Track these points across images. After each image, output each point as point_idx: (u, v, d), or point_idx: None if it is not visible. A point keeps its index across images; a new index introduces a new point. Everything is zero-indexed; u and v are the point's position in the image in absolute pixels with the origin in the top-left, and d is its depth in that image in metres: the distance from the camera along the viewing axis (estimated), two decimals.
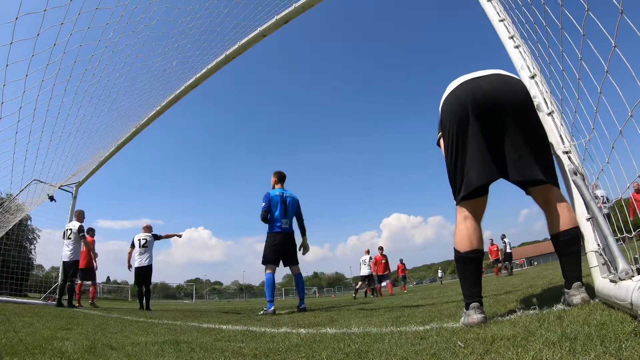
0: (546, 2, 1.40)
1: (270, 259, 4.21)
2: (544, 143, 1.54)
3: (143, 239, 6.50)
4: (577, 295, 1.36)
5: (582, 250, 1.45)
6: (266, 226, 4.35)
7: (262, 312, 3.99)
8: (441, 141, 1.74)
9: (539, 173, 1.45)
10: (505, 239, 13.32)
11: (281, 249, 4.26)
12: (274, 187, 4.56)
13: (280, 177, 4.61)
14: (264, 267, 4.26)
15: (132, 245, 6.49)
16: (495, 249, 13.61)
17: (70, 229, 6.25)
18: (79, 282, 7.09)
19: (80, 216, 6.50)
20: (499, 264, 13.37)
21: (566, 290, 1.42)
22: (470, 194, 1.51)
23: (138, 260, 6.35)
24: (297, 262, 4.41)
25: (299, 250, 4.48)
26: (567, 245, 1.42)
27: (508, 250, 13.08)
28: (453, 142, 1.57)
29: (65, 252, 6.11)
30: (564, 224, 1.43)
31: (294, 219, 4.48)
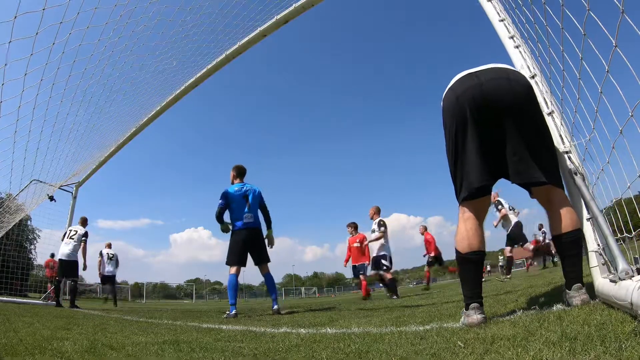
0: (546, 2, 1.40)
1: (233, 260, 3.95)
2: (546, 142, 1.51)
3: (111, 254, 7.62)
4: (577, 296, 1.36)
5: (584, 250, 1.44)
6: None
7: (225, 316, 3.75)
8: None
9: (539, 175, 1.42)
10: (542, 229, 11.82)
11: (247, 246, 3.99)
12: (233, 183, 4.28)
13: (240, 172, 4.31)
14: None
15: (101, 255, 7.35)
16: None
17: (76, 231, 6.33)
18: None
19: (85, 222, 6.61)
20: (544, 257, 11.80)
21: (567, 290, 1.42)
22: (471, 195, 1.50)
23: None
24: (267, 260, 4.12)
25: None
26: (569, 247, 1.41)
27: (547, 241, 11.34)
28: (453, 142, 1.56)
29: (65, 250, 6.15)
30: (566, 226, 1.41)
31: (260, 214, 4.20)
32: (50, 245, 7.69)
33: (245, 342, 1.66)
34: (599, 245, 1.37)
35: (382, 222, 6.19)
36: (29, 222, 12.09)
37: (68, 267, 6.12)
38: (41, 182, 6.73)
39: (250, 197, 4.11)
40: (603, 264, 1.34)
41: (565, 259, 1.44)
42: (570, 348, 0.84)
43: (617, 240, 1.28)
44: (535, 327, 1.12)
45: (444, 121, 1.63)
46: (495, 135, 1.48)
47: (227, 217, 4.14)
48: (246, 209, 4.04)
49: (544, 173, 1.43)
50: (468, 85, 1.52)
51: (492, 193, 7.27)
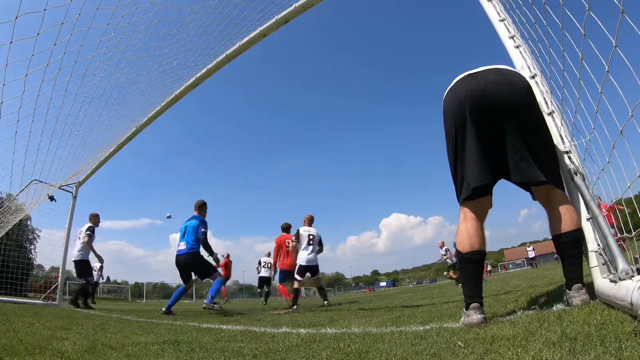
0: (547, 2, 1.40)
1: (182, 279, 4.88)
2: (546, 143, 1.51)
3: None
4: (577, 296, 1.36)
5: (584, 250, 1.44)
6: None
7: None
8: None
9: (539, 174, 1.42)
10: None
11: (180, 269, 4.78)
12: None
13: (194, 206, 5.15)
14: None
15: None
16: None
17: (81, 230, 6.30)
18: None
19: (91, 218, 6.46)
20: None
21: (567, 290, 1.42)
22: (471, 195, 1.50)
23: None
24: (207, 275, 4.82)
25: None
26: (569, 247, 1.41)
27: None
28: (453, 143, 1.56)
29: (73, 251, 6.14)
30: (566, 226, 1.41)
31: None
32: (51, 245, 7.66)
33: (245, 342, 1.66)
34: (599, 245, 1.37)
35: (295, 233, 5.99)
36: (29, 222, 12.07)
37: (78, 268, 6.09)
38: (41, 182, 6.72)
39: (187, 229, 4.84)
40: (603, 264, 1.34)
41: (565, 259, 1.43)
42: (570, 348, 0.84)
43: (617, 240, 1.28)
44: (535, 327, 1.12)
45: (444, 122, 1.63)
46: (495, 136, 1.48)
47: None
48: (182, 238, 4.87)
49: (544, 173, 1.43)
50: (468, 86, 1.53)
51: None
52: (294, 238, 5.99)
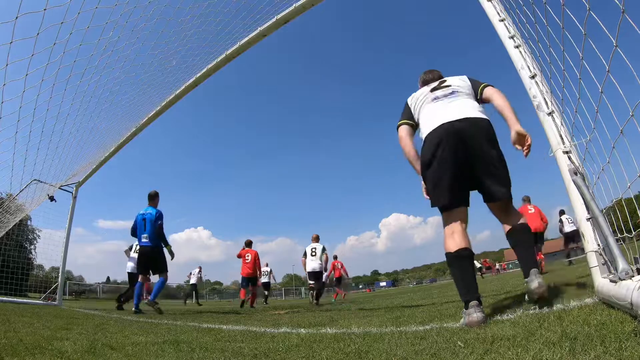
0: (547, 2, 1.40)
1: (139, 270, 5.11)
2: (505, 166, 1.69)
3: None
4: (534, 280, 1.48)
5: (583, 250, 1.45)
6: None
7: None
8: None
9: (506, 191, 1.64)
10: (563, 216, 8.46)
11: (143, 261, 4.98)
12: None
13: (148, 197, 5.30)
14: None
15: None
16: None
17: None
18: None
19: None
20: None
21: (525, 279, 1.53)
22: (446, 207, 1.67)
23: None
24: (160, 272, 5.03)
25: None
26: (518, 235, 1.64)
27: (567, 230, 8.30)
28: (432, 170, 1.71)
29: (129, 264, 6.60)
30: (514, 221, 1.67)
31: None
32: (51, 245, 7.66)
33: (245, 342, 1.66)
34: (599, 245, 1.37)
35: (304, 252, 7.87)
36: (29, 222, 12.06)
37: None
38: (41, 182, 6.71)
39: (147, 220, 5.00)
40: (603, 264, 1.34)
41: (518, 248, 1.65)
42: (570, 348, 0.84)
43: (617, 240, 1.28)
44: (535, 327, 1.12)
45: (422, 155, 1.80)
46: (467, 165, 1.65)
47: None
48: (143, 230, 5.00)
49: (507, 190, 1.65)
50: (445, 130, 1.70)
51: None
52: (302, 255, 7.68)
